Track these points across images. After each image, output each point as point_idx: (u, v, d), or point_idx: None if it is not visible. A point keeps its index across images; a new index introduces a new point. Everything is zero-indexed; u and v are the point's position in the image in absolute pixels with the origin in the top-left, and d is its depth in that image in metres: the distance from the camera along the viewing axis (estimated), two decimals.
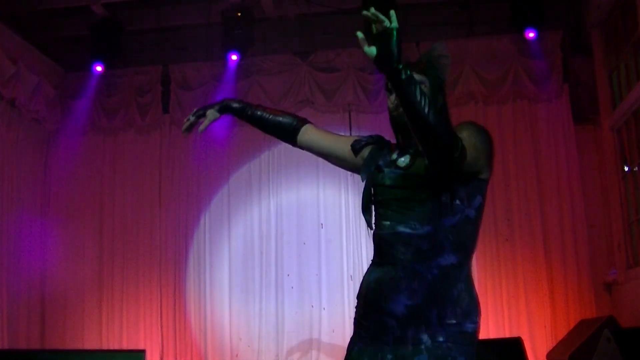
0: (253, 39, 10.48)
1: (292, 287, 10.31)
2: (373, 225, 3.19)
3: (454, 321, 2.92)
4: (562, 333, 9.39)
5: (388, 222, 3.09)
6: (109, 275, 10.63)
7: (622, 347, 7.08)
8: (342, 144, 3.51)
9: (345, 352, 3.15)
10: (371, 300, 3.02)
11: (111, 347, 10.18)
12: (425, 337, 2.88)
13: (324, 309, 10.21)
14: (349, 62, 10.76)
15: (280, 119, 3.54)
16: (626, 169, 9.85)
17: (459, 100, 10.52)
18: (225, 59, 10.65)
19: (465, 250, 3.07)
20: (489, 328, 9.68)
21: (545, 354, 9.36)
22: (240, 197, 10.69)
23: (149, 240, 10.68)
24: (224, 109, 3.57)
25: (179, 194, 10.78)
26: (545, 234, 10.16)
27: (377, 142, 3.43)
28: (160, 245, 10.65)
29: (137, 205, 10.81)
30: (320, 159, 10.33)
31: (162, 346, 10.37)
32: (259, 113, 3.56)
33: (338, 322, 10.10)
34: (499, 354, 6.40)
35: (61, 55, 11.15)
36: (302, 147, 3.58)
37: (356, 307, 3.19)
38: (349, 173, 10.52)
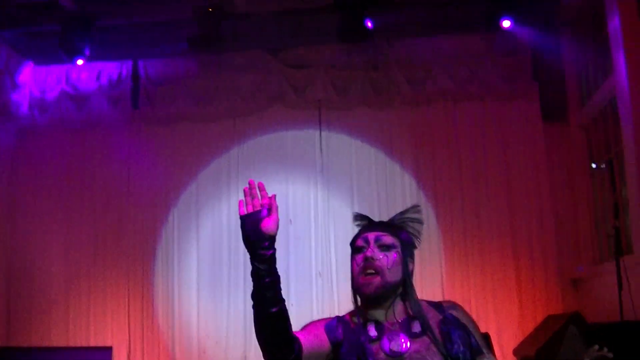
0: (223, 35, 10.43)
1: None
2: None
3: None
4: (529, 328, 9.45)
5: None
6: (76, 272, 10.52)
7: (589, 342, 7.11)
8: (321, 337, 2.92)
9: None
10: None
11: (78, 344, 10.09)
12: None
13: (292, 305, 10.16)
14: (319, 59, 10.75)
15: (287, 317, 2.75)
16: (594, 166, 9.94)
17: (429, 98, 10.55)
18: (195, 54, 10.63)
19: None
20: None
21: (512, 349, 9.42)
22: (209, 194, 10.64)
23: (116, 236, 10.59)
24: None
25: (147, 191, 10.70)
26: (513, 230, 10.21)
27: (340, 320, 2.98)
28: (127, 241, 10.57)
29: (104, 202, 10.71)
30: (290, 156, 10.36)
31: (130, 343, 10.28)
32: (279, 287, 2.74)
33: (306, 318, 9.83)
34: None
35: (30, 49, 11.03)
36: None
37: None
38: (318, 169, 10.65)
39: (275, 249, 2.64)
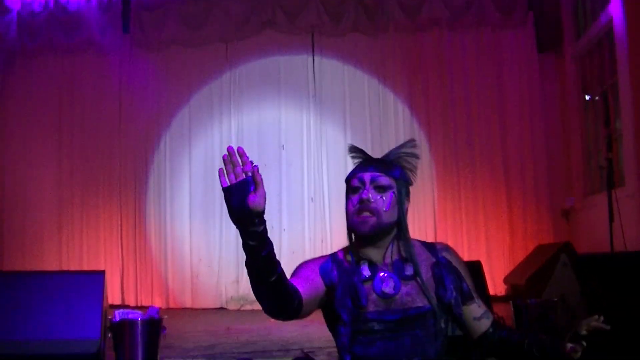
0: None
1: None
2: None
3: None
4: (519, 258, 9.52)
5: None
6: (69, 198, 10.52)
7: (578, 272, 7.18)
8: (316, 282, 2.85)
9: None
10: None
11: (71, 269, 10.13)
12: None
13: (284, 230, 10.23)
14: None
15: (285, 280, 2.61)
16: (587, 98, 9.90)
17: (423, 26, 10.44)
18: None
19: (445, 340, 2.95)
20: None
21: (503, 277, 9.51)
22: (201, 119, 10.58)
23: (108, 162, 10.56)
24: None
25: (139, 116, 10.63)
26: (506, 161, 10.23)
27: (334, 260, 2.91)
28: (120, 166, 10.55)
29: (96, 127, 10.64)
30: (283, 82, 10.28)
31: (123, 267, 10.36)
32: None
33: (298, 243, 10.14)
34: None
35: None
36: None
37: None
38: (311, 94, 10.59)
39: (265, 222, 2.46)
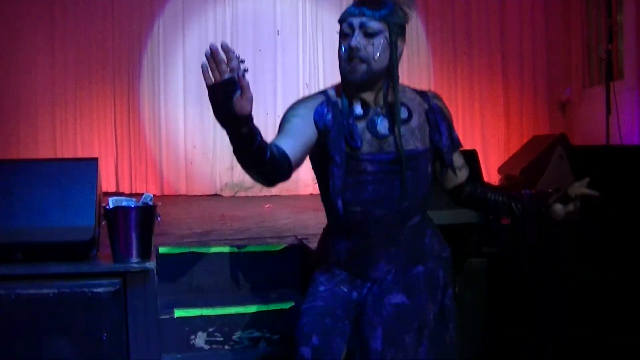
0: None
1: None
2: (341, 213, 2.82)
3: (430, 264, 2.93)
4: (514, 148, 9.53)
5: (359, 208, 2.81)
6: (62, 84, 10.35)
7: (573, 164, 7.18)
8: (308, 132, 2.81)
9: None
10: (347, 267, 2.91)
11: (65, 156, 10.10)
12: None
13: (279, 116, 10.09)
14: None
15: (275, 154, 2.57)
16: None
17: None
18: None
19: (426, 206, 2.95)
20: None
21: (497, 167, 9.53)
22: (195, 3, 10.37)
23: (101, 47, 10.36)
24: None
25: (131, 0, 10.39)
26: (504, 50, 10.15)
27: (329, 102, 2.86)
28: (113, 52, 10.36)
29: (88, 11, 10.37)
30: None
31: (117, 154, 10.32)
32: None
33: None
34: None
35: None
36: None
37: (322, 264, 3.01)
38: None
39: (252, 120, 2.37)
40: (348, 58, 2.74)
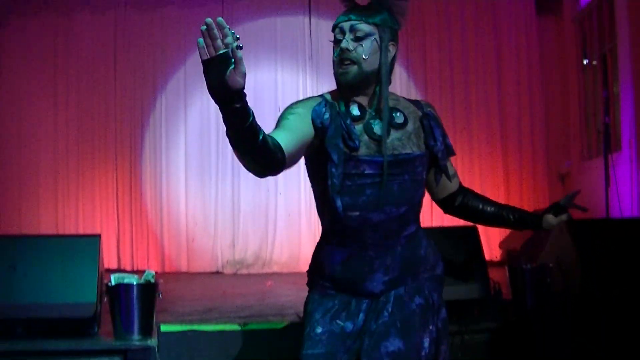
0: None
1: (249, 172, 10.26)
2: (340, 213, 2.79)
3: (426, 275, 2.91)
4: None
5: (357, 213, 2.79)
6: (64, 159, 10.45)
7: (574, 237, 7.19)
8: (304, 128, 2.78)
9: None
10: (342, 281, 2.87)
11: (67, 232, 10.12)
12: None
13: (280, 193, 10.22)
14: None
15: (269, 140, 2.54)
16: (585, 62, 9.85)
17: None
18: None
19: (419, 214, 2.98)
20: (445, 216, 9.78)
21: (498, 242, 9.53)
22: (197, 79, 10.48)
23: (104, 123, 10.48)
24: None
25: (134, 76, 10.55)
26: (503, 124, 10.22)
27: (327, 103, 2.86)
28: (115, 128, 10.47)
29: (91, 87, 10.53)
30: (279, 42, 10.20)
31: (118, 230, 10.34)
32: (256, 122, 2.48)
33: (294, 207, 10.15)
34: (454, 242, 6.44)
35: None
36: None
37: (315, 279, 2.97)
38: (308, 55, 10.53)
39: (245, 96, 2.35)
40: (340, 60, 2.78)
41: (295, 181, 10.21)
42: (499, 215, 3.07)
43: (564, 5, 10.24)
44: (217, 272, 10.01)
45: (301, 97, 9.99)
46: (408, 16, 2.91)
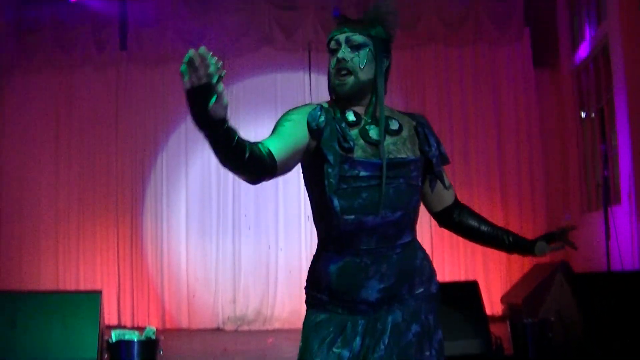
0: None
1: (249, 228, 10.30)
2: (338, 213, 2.79)
3: (422, 289, 2.91)
4: (516, 277, 9.52)
5: (352, 216, 2.78)
6: (65, 215, 10.49)
7: (575, 291, 7.18)
8: (299, 134, 2.81)
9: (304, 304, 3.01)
10: (338, 292, 2.84)
11: (67, 288, 10.11)
12: (397, 308, 2.87)
13: (280, 249, 10.23)
14: (309, 0, 10.63)
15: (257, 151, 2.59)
16: (583, 115, 9.91)
17: (419, 41, 10.45)
18: None
19: (415, 224, 3.01)
20: (445, 272, 9.79)
21: (500, 297, 9.49)
22: (198, 136, 10.45)
23: (105, 179, 10.54)
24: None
25: (135, 133, 10.63)
26: (502, 177, 10.24)
27: (322, 108, 2.90)
28: (117, 184, 10.53)
29: (93, 143, 10.62)
30: (279, 98, 10.28)
31: (119, 287, 10.32)
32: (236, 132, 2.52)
33: (295, 263, 10.13)
34: (455, 297, 6.45)
35: None
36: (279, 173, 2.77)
37: (312, 292, 2.93)
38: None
39: (227, 122, 2.38)
40: (337, 70, 2.82)
41: (296, 237, 10.22)
42: (494, 236, 3.07)
43: (560, 59, 10.33)
44: (218, 329, 9.96)
45: None
46: (398, 29, 2.97)
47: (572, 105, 10.15)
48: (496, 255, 9.97)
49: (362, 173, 2.77)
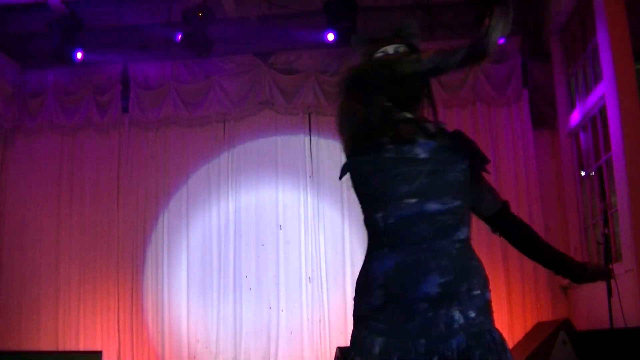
0: (213, 39, 10.41)
1: (250, 289, 10.28)
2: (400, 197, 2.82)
3: (479, 292, 2.76)
4: (519, 335, 9.45)
5: (414, 200, 2.75)
6: (66, 275, 10.49)
7: (577, 349, 7.15)
8: None
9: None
10: (396, 289, 2.71)
11: (67, 349, 10.05)
12: (457, 315, 2.66)
13: (282, 310, 10.18)
14: (309, 64, 10.78)
15: None
16: (582, 174, 9.96)
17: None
18: (185, 58, 10.70)
19: (471, 222, 2.94)
20: None
21: None
22: (199, 198, 10.63)
23: (106, 240, 10.56)
24: None
25: (137, 194, 10.69)
26: (502, 238, 10.21)
27: None
28: (118, 245, 10.55)
29: (95, 204, 10.68)
30: (280, 160, 10.29)
31: (119, 347, 10.25)
32: None
33: (296, 324, 10.08)
34: None
35: (18, 51, 10.98)
36: None
37: (362, 300, 2.83)
38: (308, 173, 10.66)
39: None
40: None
41: (297, 298, 10.19)
42: (549, 256, 3.18)
43: (558, 119, 10.42)
44: None
45: (302, 215, 10.17)
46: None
47: (571, 165, 10.20)
48: (498, 313, 9.86)
49: (422, 155, 2.80)
